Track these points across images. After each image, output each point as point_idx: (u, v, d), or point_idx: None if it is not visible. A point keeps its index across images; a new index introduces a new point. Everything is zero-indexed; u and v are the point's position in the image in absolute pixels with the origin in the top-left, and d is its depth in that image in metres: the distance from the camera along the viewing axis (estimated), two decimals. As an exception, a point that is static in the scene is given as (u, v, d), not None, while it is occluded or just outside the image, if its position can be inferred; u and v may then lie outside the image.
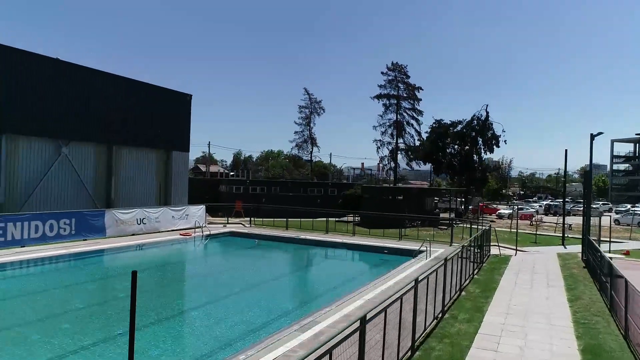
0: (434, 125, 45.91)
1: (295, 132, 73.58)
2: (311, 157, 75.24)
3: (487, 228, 20.51)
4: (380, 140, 63.77)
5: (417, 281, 7.87)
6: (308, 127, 70.76)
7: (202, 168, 69.69)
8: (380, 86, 63.59)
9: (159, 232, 22.64)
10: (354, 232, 24.51)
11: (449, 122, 45.15)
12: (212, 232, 23.42)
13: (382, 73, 63.32)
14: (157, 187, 27.48)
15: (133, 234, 21.22)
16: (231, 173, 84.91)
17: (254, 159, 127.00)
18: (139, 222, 21.93)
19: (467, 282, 13.69)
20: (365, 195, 32.78)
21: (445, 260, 10.45)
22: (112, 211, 20.87)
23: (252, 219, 27.98)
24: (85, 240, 19.07)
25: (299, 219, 26.71)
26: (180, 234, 22.36)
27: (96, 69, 23.48)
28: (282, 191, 37.77)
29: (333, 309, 10.28)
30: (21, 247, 16.92)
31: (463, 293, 12.43)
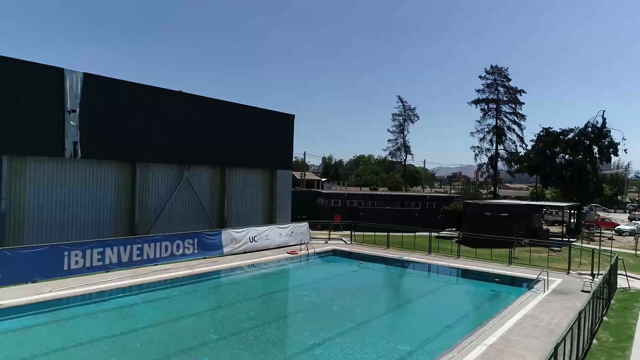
0: (541, 133, 43.01)
1: (389, 140, 73.44)
2: (404, 164, 74.54)
3: (616, 257, 18.51)
4: (478, 147, 61.35)
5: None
6: (402, 135, 70.20)
7: (297, 175, 72.11)
8: (478, 90, 61.23)
9: (268, 249, 23.98)
10: (458, 253, 23.87)
11: (558, 130, 41.97)
12: (316, 250, 24.25)
13: (481, 77, 60.85)
14: (264, 204, 29.07)
15: (245, 252, 22.75)
16: (323, 179, 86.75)
17: (344, 164, 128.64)
18: (250, 240, 23.44)
19: (597, 326, 12.70)
20: (468, 211, 31.69)
21: (593, 298, 9.68)
22: (227, 230, 22.56)
23: (352, 233, 28.42)
24: (205, 258, 20.85)
25: (399, 233, 26.67)
26: (288, 252, 23.48)
27: (212, 98, 25.50)
28: (379, 205, 37.87)
29: (455, 355, 10.22)
30: (154, 265, 19.00)
31: (594, 342, 11.56)
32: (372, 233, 27.81)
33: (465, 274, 20.81)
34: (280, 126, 29.70)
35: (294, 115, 30.67)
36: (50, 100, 18.73)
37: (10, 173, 18.04)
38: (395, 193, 44.14)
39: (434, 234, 26.60)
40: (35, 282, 15.49)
